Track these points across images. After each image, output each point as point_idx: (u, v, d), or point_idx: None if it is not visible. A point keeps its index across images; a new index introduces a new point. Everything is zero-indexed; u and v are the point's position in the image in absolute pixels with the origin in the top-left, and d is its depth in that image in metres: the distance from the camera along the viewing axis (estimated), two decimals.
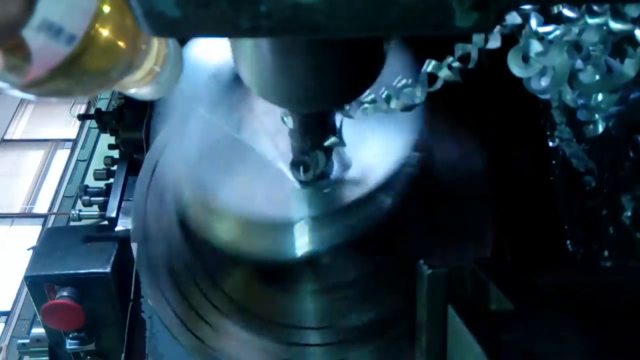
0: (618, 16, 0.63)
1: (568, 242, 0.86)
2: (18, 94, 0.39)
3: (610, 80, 0.67)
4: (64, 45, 0.36)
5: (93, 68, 0.40)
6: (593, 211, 0.79)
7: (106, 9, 0.38)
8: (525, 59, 0.75)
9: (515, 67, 0.75)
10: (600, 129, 0.72)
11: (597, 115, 0.72)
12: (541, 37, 0.72)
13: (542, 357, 0.38)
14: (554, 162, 0.87)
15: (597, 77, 0.68)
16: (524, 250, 0.88)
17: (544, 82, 0.72)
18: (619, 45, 0.66)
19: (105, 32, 0.38)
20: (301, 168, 0.73)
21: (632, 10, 0.62)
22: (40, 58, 0.35)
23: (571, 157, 0.81)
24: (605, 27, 0.65)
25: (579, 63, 0.69)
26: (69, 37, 0.36)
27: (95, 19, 0.37)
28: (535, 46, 0.72)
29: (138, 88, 0.54)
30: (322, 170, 0.74)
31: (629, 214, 0.71)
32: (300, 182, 0.74)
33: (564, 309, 0.43)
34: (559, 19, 0.68)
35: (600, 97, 0.69)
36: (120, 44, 0.40)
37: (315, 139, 0.67)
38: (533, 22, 0.72)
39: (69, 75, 0.38)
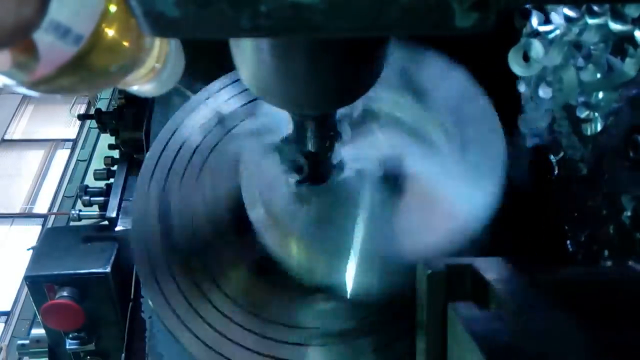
0: (618, 16, 0.63)
1: (568, 242, 0.86)
2: (24, 90, 0.39)
3: (611, 79, 0.67)
4: (71, 45, 0.37)
5: (99, 66, 0.40)
6: (593, 211, 0.79)
7: (112, 8, 0.39)
8: (526, 58, 0.75)
9: (516, 66, 0.76)
10: (600, 126, 0.73)
11: (596, 114, 0.72)
12: (540, 36, 0.72)
13: (542, 357, 0.38)
14: (553, 161, 0.87)
15: (598, 75, 0.68)
16: (524, 250, 0.88)
17: (551, 93, 0.73)
18: (620, 44, 0.66)
19: (111, 32, 0.39)
20: (301, 169, 0.73)
21: (632, 11, 0.62)
22: (48, 57, 0.36)
23: (567, 148, 0.81)
24: (605, 27, 0.65)
25: (580, 61, 0.70)
26: (76, 37, 0.37)
27: (102, 19, 0.38)
28: (536, 46, 0.72)
29: (140, 85, 0.54)
30: (322, 171, 0.74)
31: (629, 214, 0.71)
32: (299, 182, 0.74)
33: (564, 308, 0.43)
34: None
35: (600, 95, 0.69)
36: (125, 43, 0.41)
37: (316, 141, 0.67)
38: (534, 22, 0.72)
39: (75, 73, 0.39)
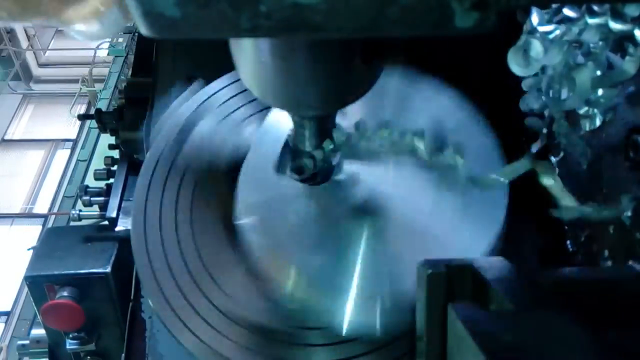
0: (618, 16, 0.63)
1: (568, 242, 0.86)
2: None
3: (610, 76, 0.67)
4: None
5: None
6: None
7: None
8: (526, 57, 0.75)
9: (515, 66, 0.76)
10: (598, 122, 0.73)
11: (595, 110, 0.72)
12: (540, 35, 0.72)
13: (542, 357, 0.38)
14: (553, 161, 0.87)
15: (598, 73, 0.68)
16: (525, 250, 0.89)
17: (565, 95, 0.73)
18: (620, 42, 0.66)
19: None
20: (302, 169, 0.73)
21: (631, 10, 0.62)
22: None
23: (567, 147, 0.81)
24: (605, 27, 0.65)
25: (579, 58, 0.70)
26: None
27: None
28: (536, 45, 0.73)
29: (83, 26, 0.53)
30: (323, 171, 0.74)
31: (629, 214, 0.71)
32: (301, 181, 0.74)
33: (564, 309, 0.43)
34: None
35: (600, 92, 0.70)
36: None
37: (315, 141, 0.67)
38: (534, 20, 0.72)
39: None
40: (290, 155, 0.74)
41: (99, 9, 0.50)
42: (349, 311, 0.72)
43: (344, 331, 0.72)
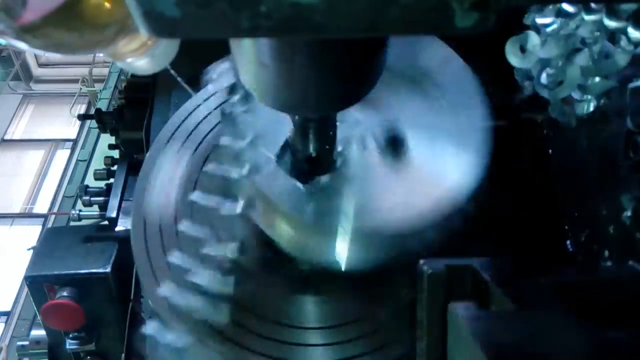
0: (613, 13, 0.64)
1: (568, 242, 0.86)
2: (14, 42, 0.39)
3: (602, 67, 0.68)
4: None
5: (86, 20, 0.40)
6: (593, 211, 0.79)
7: None
8: (523, 49, 0.76)
9: (513, 57, 0.76)
10: (592, 107, 0.74)
11: (589, 96, 0.73)
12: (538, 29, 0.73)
13: (542, 357, 0.38)
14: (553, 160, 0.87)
15: (591, 63, 0.70)
16: (524, 250, 0.88)
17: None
18: (613, 34, 0.68)
19: None
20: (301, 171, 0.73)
21: (626, 7, 0.63)
22: (35, 3, 0.35)
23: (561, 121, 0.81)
24: (600, 23, 0.66)
25: (577, 44, 0.72)
26: None
27: None
28: (533, 38, 0.74)
29: (133, 59, 0.53)
30: (323, 172, 0.74)
31: (629, 214, 0.71)
32: (303, 184, 0.74)
33: (564, 309, 0.43)
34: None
35: (596, 79, 0.71)
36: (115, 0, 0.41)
37: (316, 143, 0.67)
38: (532, 15, 0.74)
39: (62, 25, 0.38)
40: (290, 156, 0.74)
41: (147, 43, 0.51)
42: (345, 247, 0.71)
43: (343, 267, 0.72)
